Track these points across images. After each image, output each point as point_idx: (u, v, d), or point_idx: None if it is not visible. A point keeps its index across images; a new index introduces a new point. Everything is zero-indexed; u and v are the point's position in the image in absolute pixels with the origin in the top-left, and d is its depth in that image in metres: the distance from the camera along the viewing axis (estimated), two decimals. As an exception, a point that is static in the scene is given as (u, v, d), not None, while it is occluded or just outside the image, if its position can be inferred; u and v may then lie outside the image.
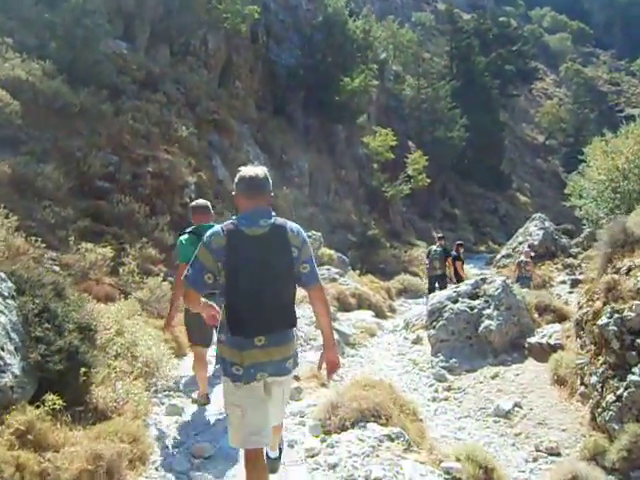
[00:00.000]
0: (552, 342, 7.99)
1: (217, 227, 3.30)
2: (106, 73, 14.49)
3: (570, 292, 18.02)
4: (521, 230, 25.76)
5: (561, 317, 9.40)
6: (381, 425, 4.91)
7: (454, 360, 8.13)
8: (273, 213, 3.34)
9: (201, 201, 5.81)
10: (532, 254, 17.28)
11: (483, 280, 8.95)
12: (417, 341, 10.03)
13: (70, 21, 13.08)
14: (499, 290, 8.55)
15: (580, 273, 20.85)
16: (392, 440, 4.68)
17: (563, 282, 19.50)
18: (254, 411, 3.25)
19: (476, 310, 8.48)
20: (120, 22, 19.04)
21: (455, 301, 8.75)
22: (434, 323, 8.69)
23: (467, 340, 8.34)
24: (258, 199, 3.30)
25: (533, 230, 24.15)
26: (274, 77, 28.99)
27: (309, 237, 11.77)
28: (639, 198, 18.17)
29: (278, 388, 3.35)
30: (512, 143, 61.45)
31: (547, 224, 24.31)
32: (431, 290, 13.63)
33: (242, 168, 3.50)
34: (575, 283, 18.70)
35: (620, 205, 18.32)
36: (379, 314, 12.50)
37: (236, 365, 3.21)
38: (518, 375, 7.48)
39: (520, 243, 24.28)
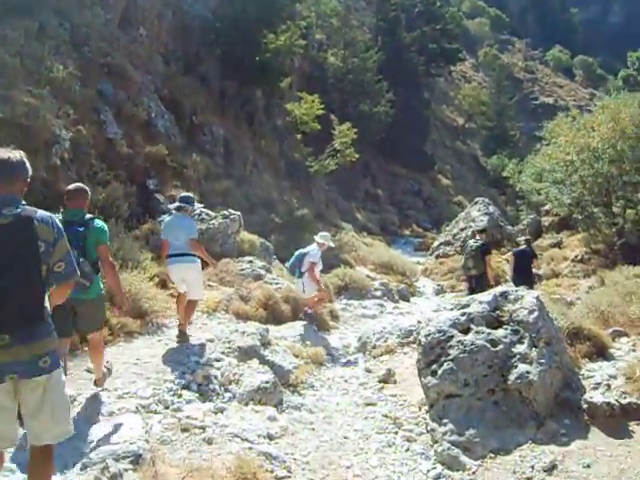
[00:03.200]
0: (623, 401, 4.98)
1: None
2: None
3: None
4: (462, 214, 23.21)
5: (598, 347, 6.46)
6: None
7: (472, 432, 4.94)
8: (23, 202, 3.12)
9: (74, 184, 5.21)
10: None
11: (504, 295, 5.81)
12: (387, 378, 6.83)
13: None
14: (535, 314, 5.43)
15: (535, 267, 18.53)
16: None
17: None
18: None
19: (501, 346, 5.32)
20: None
21: (466, 330, 5.55)
22: (433, 365, 5.46)
23: (489, 395, 5.17)
24: (6, 185, 3.08)
25: (476, 215, 21.56)
26: (186, 30, 24.91)
27: (226, 217, 7.80)
28: (614, 183, 15.81)
29: (35, 392, 3.02)
30: (433, 124, 59.53)
31: (491, 209, 21.82)
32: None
33: None
34: (536, 279, 16.26)
35: (592, 189, 15.86)
36: (320, 325, 9.21)
37: None
38: (589, 467, 4.41)
39: (462, 229, 21.66)
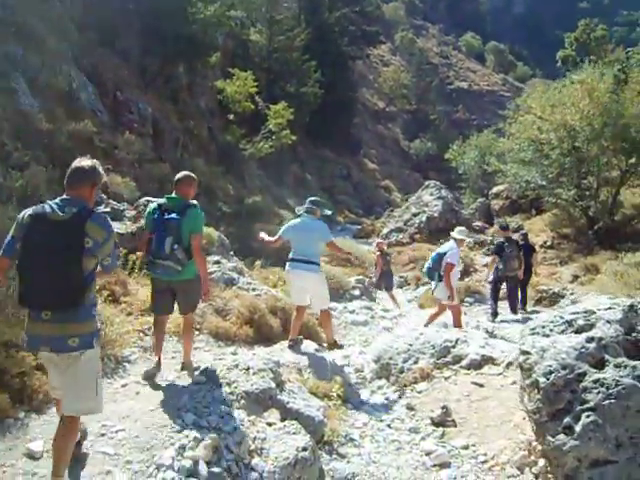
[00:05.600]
0: None
1: (30, 208, 3.53)
2: None
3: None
4: (413, 199, 21.80)
5: None
6: None
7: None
8: (85, 204, 3.52)
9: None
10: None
11: (635, 310, 4.12)
12: (444, 420, 5.07)
13: None
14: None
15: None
16: None
17: (486, 265, 15.66)
18: (51, 375, 3.56)
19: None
20: None
21: (599, 363, 3.86)
22: (566, 418, 3.75)
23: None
24: (75, 189, 3.56)
25: (429, 200, 20.17)
26: (101, 1, 22.03)
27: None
28: (590, 162, 14.70)
29: (63, 365, 3.44)
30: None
31: (444, 192, 20.46)
32: (495, 298, 11.02)
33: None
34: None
35: (569, 169, 14.67)
36: (314, 340, 7.34)
37: (26, 333, 3.45)
38: None
39: (415, 214, 20.25)
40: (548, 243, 15.97)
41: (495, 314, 10.92)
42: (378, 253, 12.59)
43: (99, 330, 3.59)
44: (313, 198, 7.09)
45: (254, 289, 8.08)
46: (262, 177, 31.16)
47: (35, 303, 3.39)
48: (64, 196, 3.53)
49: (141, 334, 6.20)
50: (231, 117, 25.33)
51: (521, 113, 16.19)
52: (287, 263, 6.71)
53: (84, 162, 3.64)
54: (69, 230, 3.39)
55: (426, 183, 21.71)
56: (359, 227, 30.33)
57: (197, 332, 6.57)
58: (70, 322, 3.38)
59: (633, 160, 14.40)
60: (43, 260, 3.34)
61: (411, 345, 6.36)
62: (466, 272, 15.25)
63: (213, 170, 22.29)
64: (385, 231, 21.11)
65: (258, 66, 37.73)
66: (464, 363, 6.02)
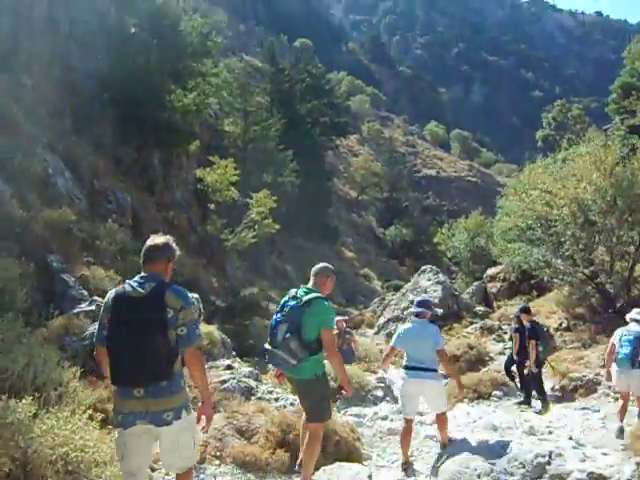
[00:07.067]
0: None
1: (113, 290, 3.71)
2: None
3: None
4: (409, 285, 20.63)
5: None
6: None
7: None
8: (162, 278, 3.68)
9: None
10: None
11: None
12: None
13: None
14: None
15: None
16: None
17: (502, 353, 14.44)
18: (133, 455, 3.52)
19: None
20: None
21: None
22: None
23: None
24: (151, 265, 3.74)
25: (427, 285, 19.05)
26: (76, 89, 21.34)
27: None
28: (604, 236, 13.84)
29: (165, 436, 3.50)
30: (329, 197, 57.97)
31: (442, 277, 19.41)
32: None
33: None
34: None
35: (585, 245, 13.72)
36: (353, 455, 5.91)
37: (119, 413, 3.49)
38: None
39: (412, 302, 19.05)
40: (564, 325, 14.85)
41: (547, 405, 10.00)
42: (336, 332, 11.48)
43: (188, 400, 3.60)
44: (422, 298, 6.89)
45: (277, 399, 6.65)
46: (242, 269, 30.02)
47: (127, 381, 3.44)
48: (142, 274, 3.68)
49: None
50: (211, 207, 24.23)
51: (519, 191, 15.38)
52: (402, 371, 6.48)
53: (157, 239, 3.83)
54: (151, 304, 3.49)
55: (422, 268, 20.66)
56: (345, 318, 28.98)
57: (218, 461, 5.11)
58: (163, 397, 3.43)
59: (648, 232, 13.65)
60: (131, 338, 3.40)
61: (493, 464, 5.00)
62: (481, 361, 14.01)
63: (194, 262, 21.08)
64: (382, 321, 19.81)
65: (234, 156, 37.29)
66: (569, 485, 4.69)
